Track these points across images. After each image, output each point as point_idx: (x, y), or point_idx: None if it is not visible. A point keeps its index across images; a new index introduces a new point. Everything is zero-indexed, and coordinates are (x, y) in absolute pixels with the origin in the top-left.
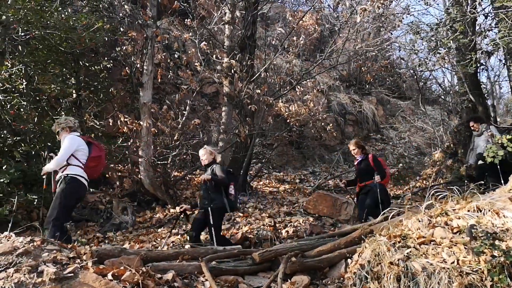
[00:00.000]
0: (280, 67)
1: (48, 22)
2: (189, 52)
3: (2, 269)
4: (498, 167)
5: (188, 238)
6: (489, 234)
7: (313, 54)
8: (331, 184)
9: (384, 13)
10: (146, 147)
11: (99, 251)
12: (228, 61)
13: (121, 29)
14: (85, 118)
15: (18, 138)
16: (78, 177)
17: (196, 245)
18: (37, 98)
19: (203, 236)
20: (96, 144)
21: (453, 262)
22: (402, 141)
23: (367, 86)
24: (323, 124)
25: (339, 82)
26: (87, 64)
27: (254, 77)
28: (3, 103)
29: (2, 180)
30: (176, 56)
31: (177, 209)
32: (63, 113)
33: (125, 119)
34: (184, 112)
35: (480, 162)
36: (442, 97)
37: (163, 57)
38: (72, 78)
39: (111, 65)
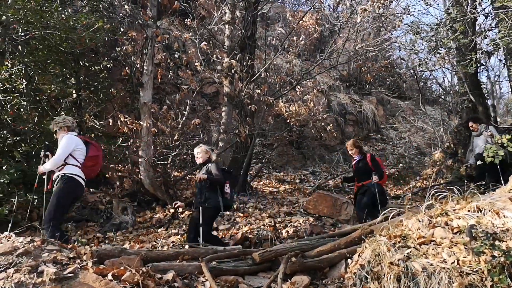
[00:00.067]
0: (280, 67)
1: (48, 22)
2: (189, 52)
3: (2, 269)
4: (498, 167)
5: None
6: (489, 234)
7: (313, 54)
8: (331, 184)
9: (384, 13)
10: (146, 147)
11: (99, 251)
12: (228, 61)
13: (121, 29)
14: (85, 118)
15: (18, 138)
16: (75, 177)
17: (196, 245)
18: (37, 98)
19: None
20: (93, 144)
21: (453, 262)
22: (402, 141)
23: (367, 86)
24: (323, 124)
25: (339, 82)
26: (87, 64)
27: (254, 77)
28: (3, 103)
29: (2, 180)
30: (176, 56)
31: (172, 207)
32: (63, 113)
33: (125, 119)
34: (184, 112)
35: (479, 162)
36: (442, 97)
37: (163, 57)
38: (72, 78)
39: (111, 65)
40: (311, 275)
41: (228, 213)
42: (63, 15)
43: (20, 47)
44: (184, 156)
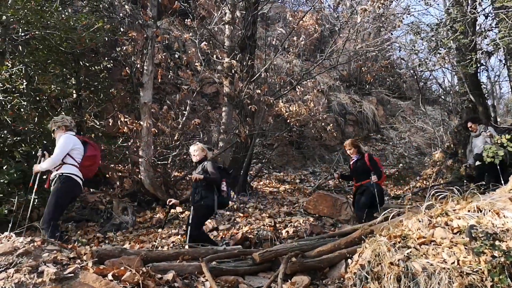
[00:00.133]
0: (280, 67)
1: (48, 22)
2: (190, 52)
3: (3, 269)
4: (498, 167)
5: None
6: (489, 235)
7: (313, 54)
8: (331, 184)
9: (384, 13)
10: (147, 147)
11: (100, 251)
12: (228, 61)
13: (121, 29)
14: (85, 118)
15: (18, 138)
16: (73, 176)
17: (196, 245)
18: (37, 98)
19: None
20: (91, 144)
21: (454, 263)
22: (402, 141)
23: (367, 86)
24: (323, 124)
25: (339, 82)
26: (87, 64)
27: (255, 77)
28: (3, 103)
29: (2, 180)
30: (176, 56)
31: (167, 205)
32: (63, 113)
33: (125, 119)
34: (184, 112)
35: (477, 162)
36: (442, 97)
37: (163, 57)
38: (72, 78)
39: (111, 65)
40: (311, 275)
41: (228, 213)
42: (63, 15)
43: (20, 47)
44: (184, 156)
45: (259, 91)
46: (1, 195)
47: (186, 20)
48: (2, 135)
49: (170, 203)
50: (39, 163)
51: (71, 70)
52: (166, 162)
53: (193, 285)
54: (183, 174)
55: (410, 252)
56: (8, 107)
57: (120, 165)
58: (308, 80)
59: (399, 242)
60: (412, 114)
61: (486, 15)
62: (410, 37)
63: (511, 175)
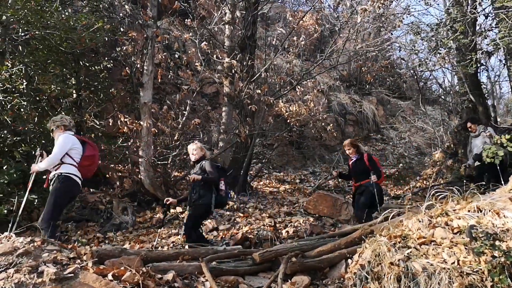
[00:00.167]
0: (280, 67)
1: (48, 22)
2: (190, 52)
3: (3, 269)
4: (498, 167)
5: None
6: (489, 235)
7: (313, 54)
8: (331, 184)
9: (384, 13)
10: (146, 147)
11: (100, 252)
12: (228, 61)
13: (122, 29)
14: (85, 118)
15: (18, 138)
16: (72, 176)
17: (196, 245)
18: (37, 98)
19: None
20: (90, 143)
21: (454, 263)
22: (402, 141)
23: (367, 86)
24: (323, 124)
25: (340, 82)
26: (87, 64)
27: (255, 77)
28: (3, 103)
29: (2, 180)
30: (176, 56)
31: (164, 204)
32: (63, 113)
33: (125, 119)
34: (184, 112)
35: (477, 163)
36: (443, 97)
37: (163, 57)
38: (72, 78)
39: (111, 65)
40: (311, 275)
41: (228, 213)
42: (63, 15)
43: (20, 47)
44: (184, 156)
45: (259, 91)
46: (1, 195)
47: (186, 20)
48: (2, 135)
49: (168, 202)
50: (37, 163)
51: (71, 70)
52: (166, 162)
53: (193, 285)
54: (183, 174)
55: (410, 252)
56: (8, 107)
57: (120, 165)
58: (308, 80)
59: (399, 242)
60: (412, 114)
61: (486, 15)
62: (410, 37)
63: (511, 175)
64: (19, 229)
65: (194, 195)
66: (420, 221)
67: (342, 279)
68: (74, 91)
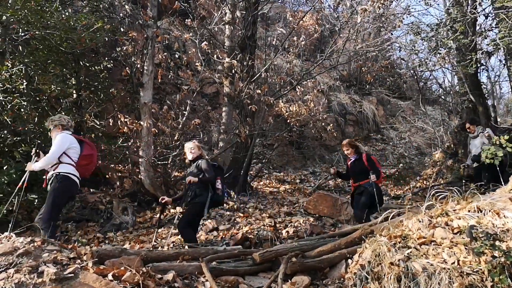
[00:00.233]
0: (280, 67)
1: (48, 22)
2: (190, 52)
3: (3, 269)
4: (498, 168)
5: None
6: (489, 235)
7: (314, 54)
8: (331, 184)
9: (384, 14)
10: (147, 147)
11: (100, 252)
12: (228, 61)
13: (122, 29)
14: (85, 118)
15: (18, 138)
16: (70, 175)
17: (196, 245)
18: (37, 98)
19: (203, 236)
20: (87, 143)
21: (454, 263)
22: (403, 141)
23: (367, 86)
24: (323, 124)
25: (340, 82)
26: (88, 64)
27: (255, 77)
28: (3, 103)
29: (2, 180)
30: (176, 56)
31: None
32: (63, 113)
33: (126, 119)
34: (184, 112)
35: (475, 164)
36: (443, 97)
37: (163, 57)
38: (73, 78)
39: (112, 65)
40: (312, 275)
41: (228, 213)
42: (63, 15)
43: (20, 47)
44: (184, 156)
45: (259, 91)
46: (1, 195)
47: (186, 20)
48: (2, 135)
49: (163, 201)
50: (33, 162)
51: (71, 70)
52: (166, 162)
53: (193, 285)
54: (183, 174)
55: (410, 252)
56: (8, 107)
57: (120, 165)
58: (308, 80)
59: (399, 242)
60: (412, 114)
61: (486, 15)
62: (410, 37)
63: (511, 175)
64: (19, 229)
65: (190, 194)
66: (420, 221)
67: (342, 279)
68: (74, 91)
